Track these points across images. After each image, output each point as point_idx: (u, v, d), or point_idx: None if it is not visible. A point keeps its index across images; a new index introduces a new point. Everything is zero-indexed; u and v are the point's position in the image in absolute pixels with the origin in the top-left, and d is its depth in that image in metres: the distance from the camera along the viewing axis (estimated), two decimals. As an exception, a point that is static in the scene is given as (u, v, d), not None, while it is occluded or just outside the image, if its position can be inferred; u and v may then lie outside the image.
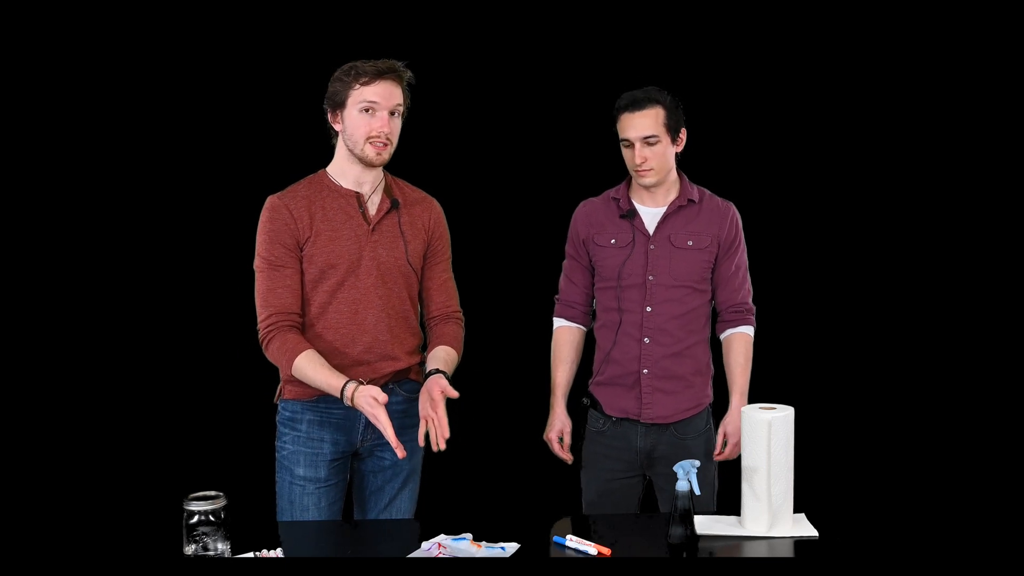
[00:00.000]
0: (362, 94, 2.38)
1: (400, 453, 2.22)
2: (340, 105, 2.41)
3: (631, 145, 2.61)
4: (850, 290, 3.64)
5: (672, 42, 3.50)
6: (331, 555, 2.19)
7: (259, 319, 2.43)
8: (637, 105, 2.60)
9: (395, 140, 2.43)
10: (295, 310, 2.42)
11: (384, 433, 2.23)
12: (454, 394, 2.29)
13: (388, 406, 2.29)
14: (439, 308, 2.60)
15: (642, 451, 2.68)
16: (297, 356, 2.36)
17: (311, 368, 2.35)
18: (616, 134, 2.66)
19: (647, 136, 2.59)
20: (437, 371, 2.38)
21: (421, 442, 2.30)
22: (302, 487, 2.47)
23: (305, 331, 2.45)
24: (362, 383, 2.29)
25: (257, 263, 2.45)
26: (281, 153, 3.14)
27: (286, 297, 2.41)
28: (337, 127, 2.45)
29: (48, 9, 3.36)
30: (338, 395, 2.29)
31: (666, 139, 2.61)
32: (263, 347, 2.43)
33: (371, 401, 2.23)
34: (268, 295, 2.42)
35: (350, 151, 2.44)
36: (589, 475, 2.74)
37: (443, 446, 2.26)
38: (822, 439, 3.28)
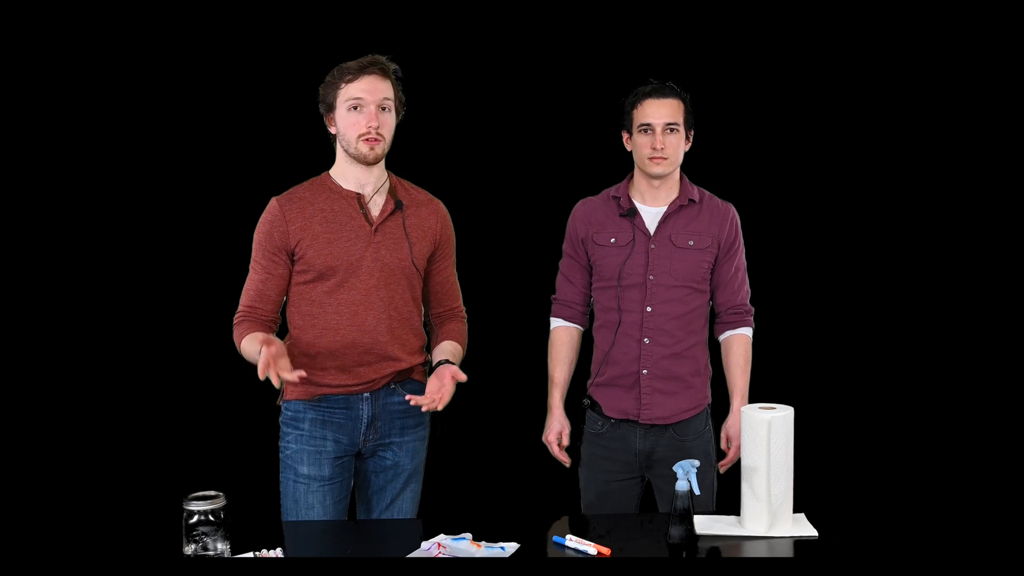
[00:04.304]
0: (348, 91, 2.39)
1: (274, 379, 2.19)
2: (331, 107, 2.43)
3: (651, 131, 2.61)
4: (849, 290, 3.64)
5: (671, 44, 3.50)
6: (332, 555, 2.19)
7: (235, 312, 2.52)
8: (662, 92, 2.63)
9: (388, 135, 2.43)
10: (264, 308, 2.47)
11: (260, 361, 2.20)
12: (463, 377, 2.38)
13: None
14: (443, 306, 2.64)
15: (641, 453, 2.68)
16: (243, 340, 2.42)
17: (248, 345, 2.38)
18: (625, 125, 2.68)
19: (670, 123, 2.60)
20: (446, 362, 2.43)
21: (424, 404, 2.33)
22: (306, 485, 2.47)
23: (303, 332, 2.46)
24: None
25: (251, 260, 2.50)
26: (292, 155, 3.14)
27: (258, 298, 2.47)
28: (333, 130, 2.47)
29: (52, 10, 3.36)
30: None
31: (683, 132, 2.63)
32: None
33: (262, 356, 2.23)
34: (244, 293, 2.50)
35: (346, 152, 2.44)
36: (588, 477, 2.74)
37: (437, 407, 2.33)
38: (822, 439, 3.28)
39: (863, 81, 3.55)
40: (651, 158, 2.61)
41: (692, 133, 2.69)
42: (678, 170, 2.69)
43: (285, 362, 2.25)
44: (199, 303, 3.44)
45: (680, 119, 2.62)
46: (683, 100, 2.65)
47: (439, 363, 2.44)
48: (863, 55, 3.53)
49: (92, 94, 3.43)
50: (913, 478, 3.55)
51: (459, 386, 2.40)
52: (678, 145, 2.63)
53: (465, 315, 2.67)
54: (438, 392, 2.35)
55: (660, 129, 2.60)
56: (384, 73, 2.41)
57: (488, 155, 3.60)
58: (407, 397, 2.39)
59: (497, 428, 3.52)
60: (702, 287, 2.68)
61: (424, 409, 2.34)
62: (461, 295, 2.67)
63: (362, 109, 2.39)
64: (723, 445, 2.72)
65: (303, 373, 2.27)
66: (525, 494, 3.49)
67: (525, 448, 3.00)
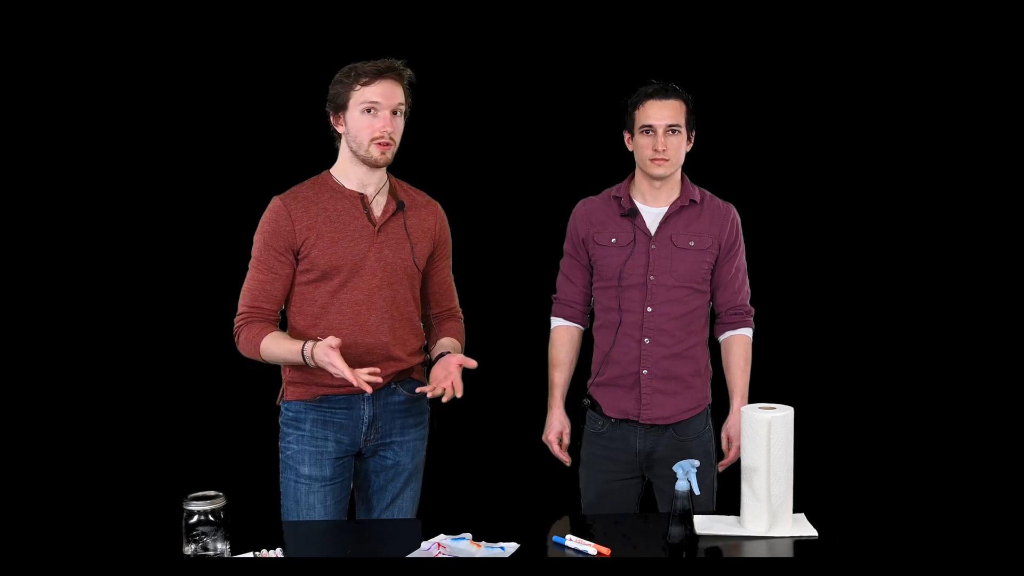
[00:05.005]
0: (363, 95, 2.39)
1: (367, 388, 2.25)
2: (342, 107, 2.42)
3: (653, 132, 2.60)
4: (850, 290, 3.64)
5: (671, 43, 3.50)
6: (332, 554, 2.19)
7: (236, 314, 2.49)
8: (665, 94, 2.62)
9: (398, 139, 2.44)
10: (269, 307, 2.46)
11: (344, 375, 2.24)
12: (472, 363, 2.36)
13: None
14: (440, 306, 2.65)
15: (641, 453, 2.68)
16: (262, 340, 2.41)
17: (275, 345, 2.40)
18: (627, 124, 2.67)
19: (672, 124, 2.60)
20: (449, 353, 2.43)
21: (431, 393, 2.34)
22: (307, 486, 2.47)
23: (305, 333, 2.46)
24: (318, 340, 2.32)
25: (251, 261, 2.48)
26: (287, 154, 3.15)
27: (262, 297, 2.45)
28: (340, 129, 2.46)
29: (52, 10, 3.36)
30: (303, 360, 2.33)
31: (684, 134, 2.63)
32: (235, 341, 2.48)
33: (326, 350, 2.27)
34: (246, 293, 2.47)
35: (354, 153, 2.44)
36: (588, 477, 2.74)
37: (457, 395, 2.32)
38: (822, 439, 3.28)
39: (863, 81, 3.55)
40: (652, 159, 2.61)
41: (694, 134, 2.69)
42: (679, 170, 2.69)
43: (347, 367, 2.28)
44: (199, 303, 3.44)
45: (682, 121, 2.62)
46: (685, 101, 2.64)
47: (440, 355, 2.45)
48: (863, 55, 3.53)
49: (93, 94, 3.43)
50: (913, 478, 3.55)
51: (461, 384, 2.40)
52: (679, 146, 2.63)
53: (462, 315, 2.68)
54: (445, 380, 2.34)
55: (662, 131, 2.60)
56: (400, 79, 2.42)
57: (488, 155, 3.60)
58: (417, 390, 2.39)
59: (497, 428, 3.52)
60: (702, 288, 2.68)
61: (430, 395, 2.33)
62: (457, 296, 2.68)
63: (377, 113, 2.39)
64: (723, 445, 2.72)
65: (377, 370, 2.29)
66: (525, 494, 3.49)
67: (525, 448, 3.00)
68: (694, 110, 2.67)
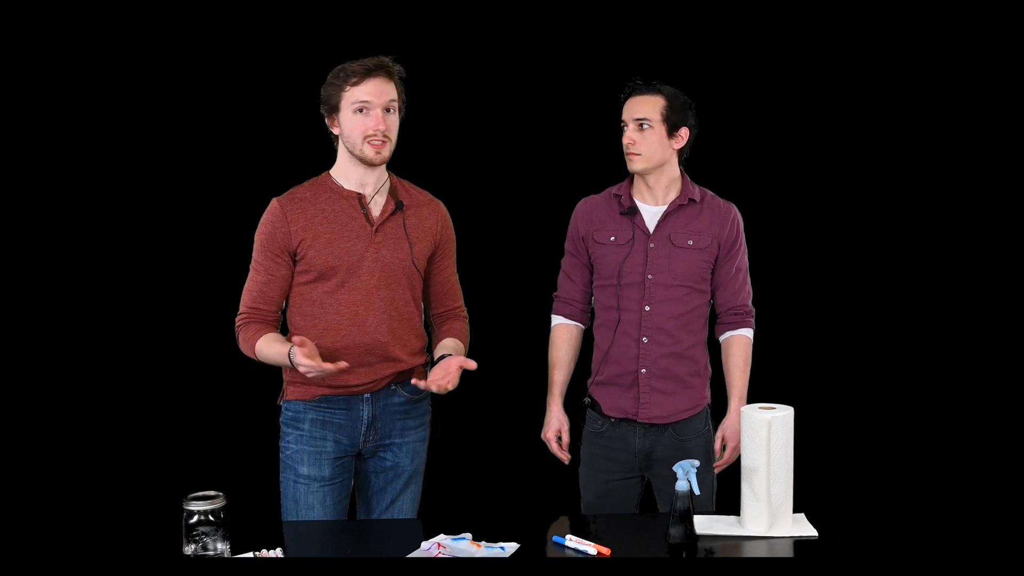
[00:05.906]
0: (354, 95, 2.39)
1: (330, 367, 2.25)
2: (335, 109, 2.42)
3: (626, 127, 2.63)
4: (850, 290, 3.64)
5: (673, 42, 3.50)
6: (332, 554, 2.19)
7: (237, 314, 2.51)
8: (639, 90, 2.65)
9: (393, 137, 2.43)
10: (267, 308, 2.47)
11: (314, 370, 2.25)
12: (472, 364, 2.37)
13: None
14: (444, 305, 2.64)
15: (640, 452, 2.68)
16: (257, 342, 2.43)
17: (267, 348, 2.42)
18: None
19: (639, 118, 2.61)
20: (449, 355, 2.44)
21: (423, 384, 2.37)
22: (306, 486, 2.48)
23: (304, 333, 2.46)
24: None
25: (251, 262, 2.50)
26: (292, 155, 3.14)
27: (260, 299, 2.47)
28: (335, 130, 2.46)
29: (52, 10, 3.36)
30: (290, 364, 2.34)
31: (660, 129, 2.61)
32: (236, 340, 2.50)
33: (295, 352, 2.28)
34: (246, 295, 2.50)
35: (350, 153, 2.44)
36: (588, 477, 2.74)
37: (448, 387, 2.36)
38: (822, 439, 3.28)
39: (864, 81, 3.55)
40: (626, 153, 2.63)
41: (686, 131, 2.65)
42: (678, 169, 2.69)
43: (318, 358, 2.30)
44: (200, 303, 3.44)
45: (655, 115, 2.60)
46: (666, 96, 2.62)
47: (441, 357, 2.45)
48: (863, 55, 3.53)
49: (93, 95, 3.43)
50: (913, 478, 3.55)
51: (460, 384, 2.40)
52: (653, 141, 2.62)
53: (466, 315, 2.67)
54: (443, 379, 2.35)
55: (632, 125, 2.61)
56: (389, 75, 2.41)
57: (490, 154, 3.60)
58: (412, 381, 2.40)
59: (497, 428, 3.52)
60: (701, 287, 2.68)
61: (436, 389, 2.35)
62: (462, 295, 2.68)
63: (368, 112, 2.39)
64: (717, 445, 2.71)
65: (344, 364, 2.29)
66: (525, 494, 3.49)
67: (525, 448, 3.00)
68: (691, 108, 2.65)
